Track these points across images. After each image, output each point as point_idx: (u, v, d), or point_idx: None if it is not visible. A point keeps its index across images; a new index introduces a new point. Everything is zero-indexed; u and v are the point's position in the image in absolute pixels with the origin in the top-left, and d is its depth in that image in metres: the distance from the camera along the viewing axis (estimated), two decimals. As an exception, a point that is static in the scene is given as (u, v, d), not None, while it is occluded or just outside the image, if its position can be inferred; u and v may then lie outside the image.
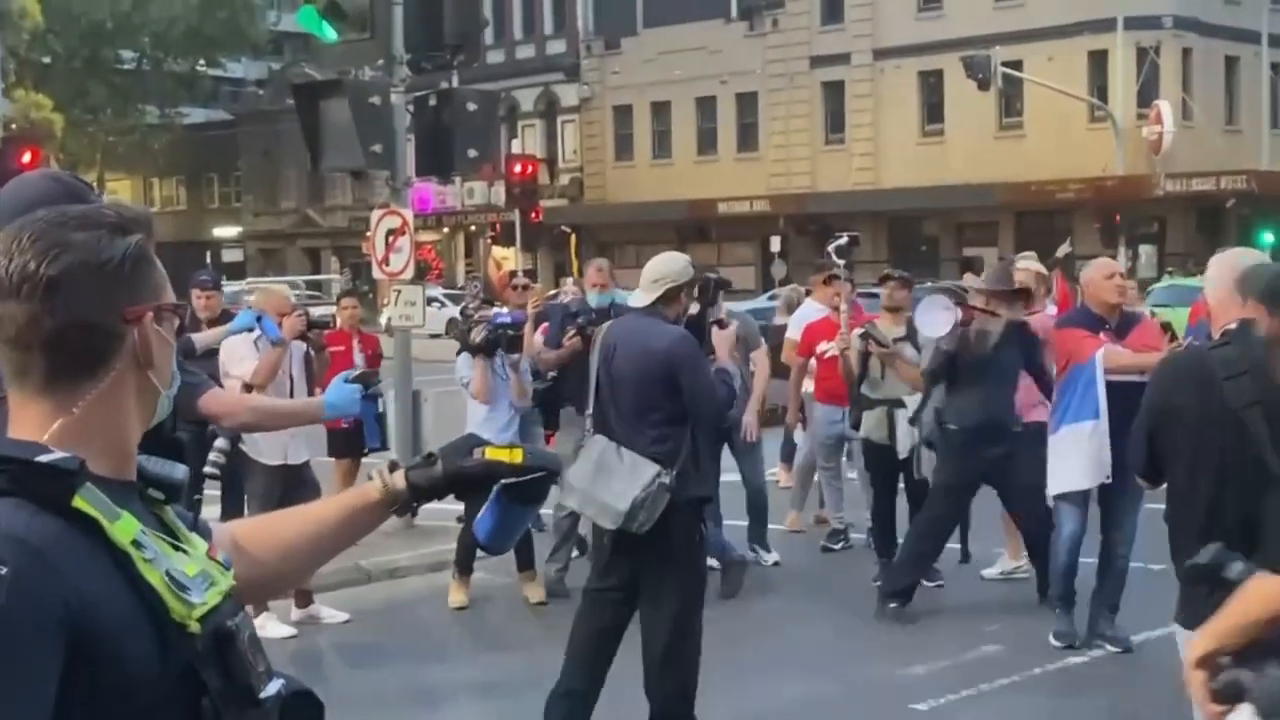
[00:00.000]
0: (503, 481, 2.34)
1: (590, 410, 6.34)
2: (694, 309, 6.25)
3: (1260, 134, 40.99)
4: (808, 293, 12.18)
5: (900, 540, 9.49)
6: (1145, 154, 38.43)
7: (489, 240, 50.03)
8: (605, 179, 51.44)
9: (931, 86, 43.83)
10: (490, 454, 2.34)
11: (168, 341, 1.96)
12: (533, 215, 35.29)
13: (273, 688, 1.90)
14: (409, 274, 12.18)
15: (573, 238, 42.77)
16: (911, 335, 9.29)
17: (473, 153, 11.57)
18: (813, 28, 46.16)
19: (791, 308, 12.27)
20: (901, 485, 9.68)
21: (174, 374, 2.01)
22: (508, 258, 42.12)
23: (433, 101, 11.73)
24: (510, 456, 2.34)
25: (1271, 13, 40.82)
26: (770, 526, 10.71)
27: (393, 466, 2.38)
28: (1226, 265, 4.47)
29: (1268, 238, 33.51)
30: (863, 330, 9.30)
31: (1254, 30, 40.53)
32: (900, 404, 9.27)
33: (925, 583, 9.48)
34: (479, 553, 8.41)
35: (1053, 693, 7.66)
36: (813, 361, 10.74)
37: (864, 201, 43.46)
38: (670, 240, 46.51)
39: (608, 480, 6.03)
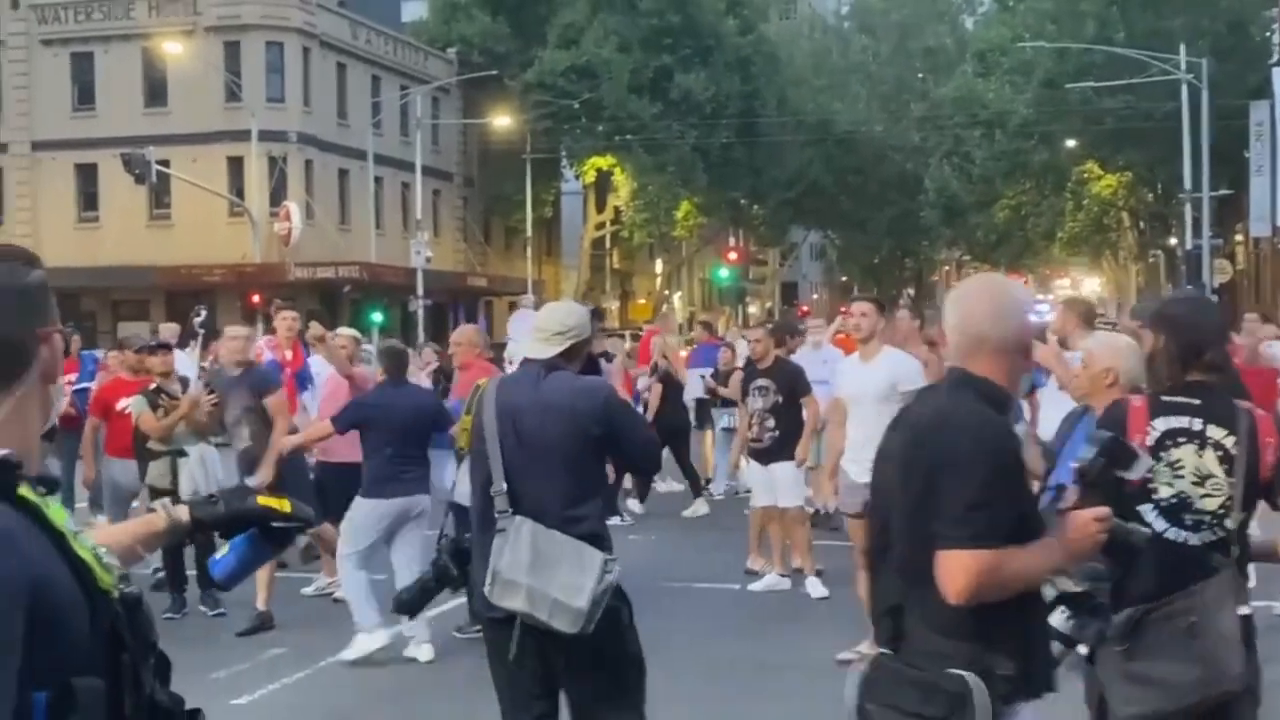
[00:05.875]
0: (274, 524, 2.36)
1: (498, 487, 4.47)
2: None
3: (369, 232, 43.23)
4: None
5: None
6: (278, 245, 39.42)
7: None
8: None
9: (87, 177, 41.90)
10: (262, 501, 2.37)
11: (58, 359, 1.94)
12: None
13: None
14: None
15: None
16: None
17: None
18: (-29, 118, 42.62)
19: None
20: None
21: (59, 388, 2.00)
22: None
23: None
24: (280, 505, 2.37)
25: (375, 137, 43.49)
26: None
27: (175, 501, 2.39)
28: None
29: (377, 316, 35.46)
30: (155, 389, 9.18)
31: (361, 149, 42.84)
32: (183, 453, 9.21)
33: (208, 612, 9.43)
34: None
35: (338, 677, 7.98)
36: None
37: (24, 278, 40.64)
38: None
39: (552, 572, 4.35)
